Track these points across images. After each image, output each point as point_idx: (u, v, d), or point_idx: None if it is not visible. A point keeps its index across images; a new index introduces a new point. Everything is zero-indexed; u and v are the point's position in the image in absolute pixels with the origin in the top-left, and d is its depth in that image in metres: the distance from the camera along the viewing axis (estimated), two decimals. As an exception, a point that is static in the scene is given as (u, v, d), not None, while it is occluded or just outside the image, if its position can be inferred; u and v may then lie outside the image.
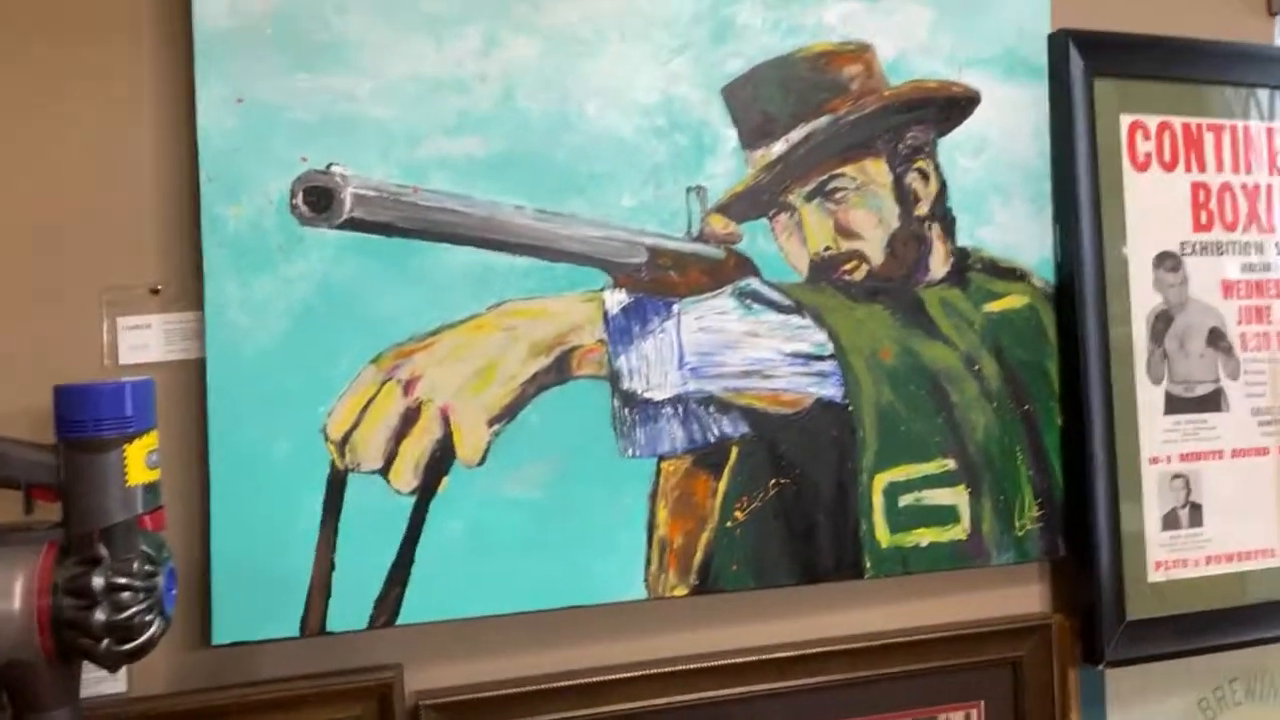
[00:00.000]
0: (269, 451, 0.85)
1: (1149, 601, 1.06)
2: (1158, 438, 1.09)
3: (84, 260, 0.85)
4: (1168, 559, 1.08)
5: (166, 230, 0.87)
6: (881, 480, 1.01)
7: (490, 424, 0.91)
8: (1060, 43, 1.07)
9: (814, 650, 1.00)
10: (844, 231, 1.01)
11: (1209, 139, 1.14)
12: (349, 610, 0.86)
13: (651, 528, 0.94)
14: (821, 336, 1.00)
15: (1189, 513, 1.10)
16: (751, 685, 0.98)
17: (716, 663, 0.97)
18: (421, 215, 0.89)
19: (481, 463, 0.90)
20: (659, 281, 0.96)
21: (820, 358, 1.00)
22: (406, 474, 0.88)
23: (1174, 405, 1.10)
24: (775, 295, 0.99)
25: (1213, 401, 1.12)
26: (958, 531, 1.03)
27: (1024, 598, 1.10)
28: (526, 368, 0.92)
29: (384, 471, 0.88)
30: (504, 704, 0.91)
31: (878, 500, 1.01)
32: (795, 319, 0.99)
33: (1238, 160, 1.15)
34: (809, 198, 1.00)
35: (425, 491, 0.89)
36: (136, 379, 0.69)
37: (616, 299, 0.94)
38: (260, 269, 0.85)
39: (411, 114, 0.89)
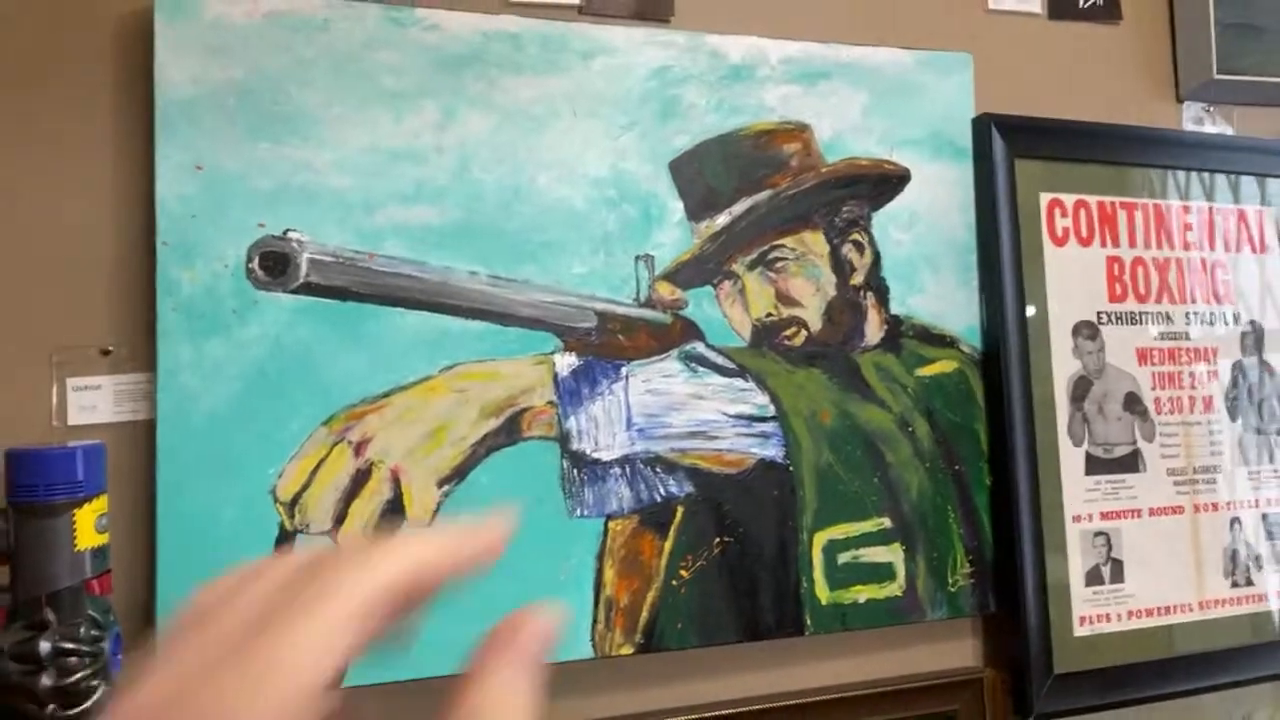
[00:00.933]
0: (217, 513, 0.86)
1: (1076, 655, 1.11)
2: (1079, 496, 1.15)
3: (34, 320, 0.86)
4: (1092, 614, 1.13)
5: (120, 292, 0.88)
6: (821, 538, 1.05)
7: (440, 485, 0.92)
8: (983, 126, 1.15)
9: (756, 708, 1.02)
10: (784, 299, 1.06)
11: (1122, 215, 1.23)
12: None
13: (598, 587, 0.96)
14: (764, 399, 1.04)
15: (1111, 569, 1.15)
16: (697, 743, 0.99)
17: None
18: (377, 280, 0.92)
19: (430, 523, 0.92)
20: (608, 345, 0.99)
21: (763, 419, 1.04)
22: (355, 535, 0.89)
23: (1094, 466, 1.16)
24: (719, 359, 1.03)
25: (1130, 463, 1.18)
26: (894, 588, 1.07)
27: (957, 652, 1.14)
28: (477, 429, 0.94)
29: (333, 533, 0.89)
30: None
31: (817, 557, 1.04)
32: (739, 382, 1.03)
33: (1149, 235, 1.24)
34: (751, 266, 1.05)
35: (374, 552, 0.90)
36: (88, 443, 0.70)
37: (566, 362, 0.97)
38: (213, 332, 0.87)
39: (369, 183, 0.92)
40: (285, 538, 0.87)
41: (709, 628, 1.00)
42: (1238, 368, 1.27)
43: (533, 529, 0.94)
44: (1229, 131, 1.33)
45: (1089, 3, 1.28)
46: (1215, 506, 1.21)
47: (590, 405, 0.98)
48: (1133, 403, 1.20)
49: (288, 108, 0.90)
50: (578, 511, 0.96)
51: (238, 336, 0.87)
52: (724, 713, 1.01)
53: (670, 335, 1.02)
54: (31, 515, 0.66)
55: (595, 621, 0.96)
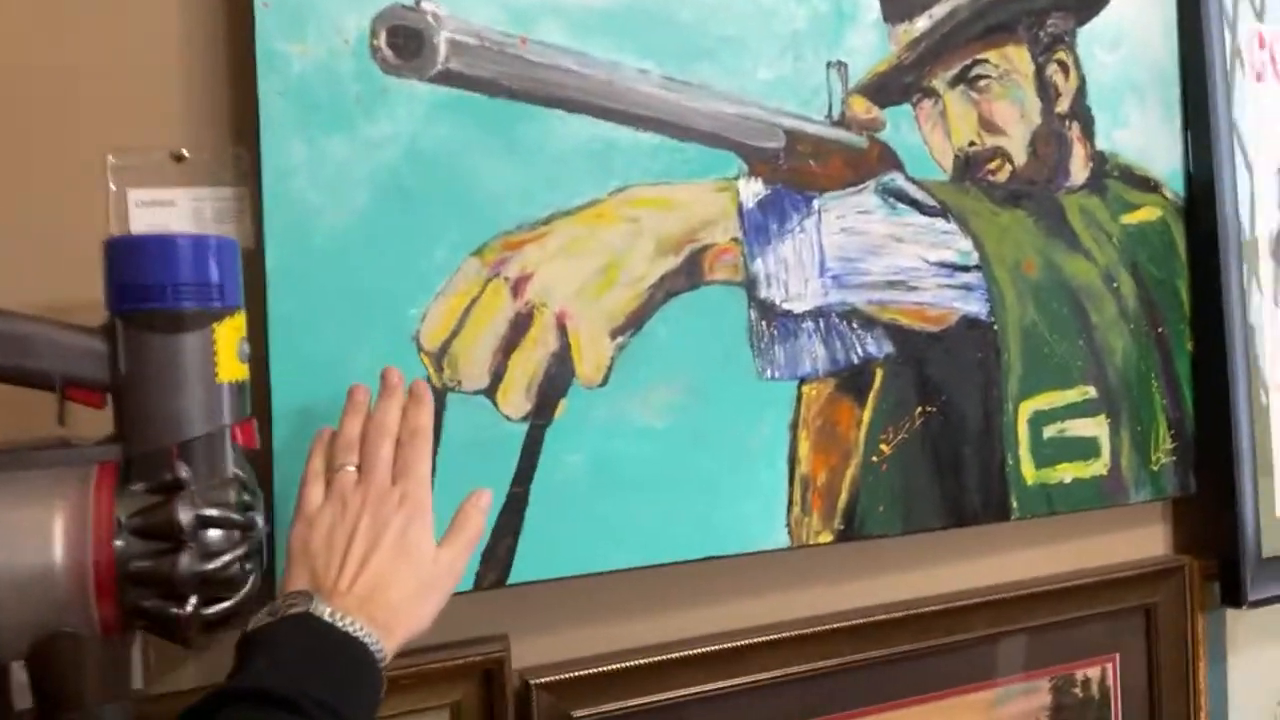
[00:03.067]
0: (347, 364, 0.66)
1: (1282, 539, 0.99)
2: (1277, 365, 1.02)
3: (81, 110, 0.63)
4: (1296, 493, 1.01)
5: (200, 74, 0.66)
6: (1027, 408, 0.90)
7: (613, 335, 0.74)
8: (1192, -67, 0.98)
9: (960, 604, 0.87)
10: (987, 125, 0.89)
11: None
12: (450, 567, 0.67)
13: (793, 462, 0.79)
14: (967, 244, 0.87)
15: (1311, 444, 1.03)
16: (893, 646, 0.84)
17: (859, 621, 0.83)
18: (530, 73, 0.71)
19: (604, 383, 0.73)
20: (798, 171, 0.81)
21: (965, 268, 0.87)
22: (517, 395, 0.70)
23: (1295, 331, 1.03)
24: (920, 195, 0.85)
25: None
26: (1099, 466, 0.93)
27: (1147, 540, 1.01)
28: (654, 268, 0.75)
29: (490, 392, 0.70)
30: (630, 678, 0.75)
31: (1023, 431, 0.89)
32: (940, 223, 0.86)
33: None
34: (953, 84, 0.87)
35: (540, 417, 0.71)
36: (219, 235, 0.49)
37: (752, 190, 0.79)
38: (334, 126, 0.66)
39: (517, -55, 0.71)
40: (434, 395, 0.68)
41: (912, 511, 0.84)
42: None
43: (719, 392, 0.77)
44: None
45: None
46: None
47: (779, 245, 0.80)
48: (1330, 262, 1.06)
49: None
50: (768, 372, 0.79)
51: (364, 134, 0.66)
52: (926, 610, 0.86)
53: (867, 162, 0.84)
54: (152, 329, 0.46)
55: (791, 504, 0.79)
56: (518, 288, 0.71)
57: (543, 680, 0.72)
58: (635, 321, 0.74)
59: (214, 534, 0.46)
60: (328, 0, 0.65)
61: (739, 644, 0.78)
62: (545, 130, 0.72)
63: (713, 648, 0.77)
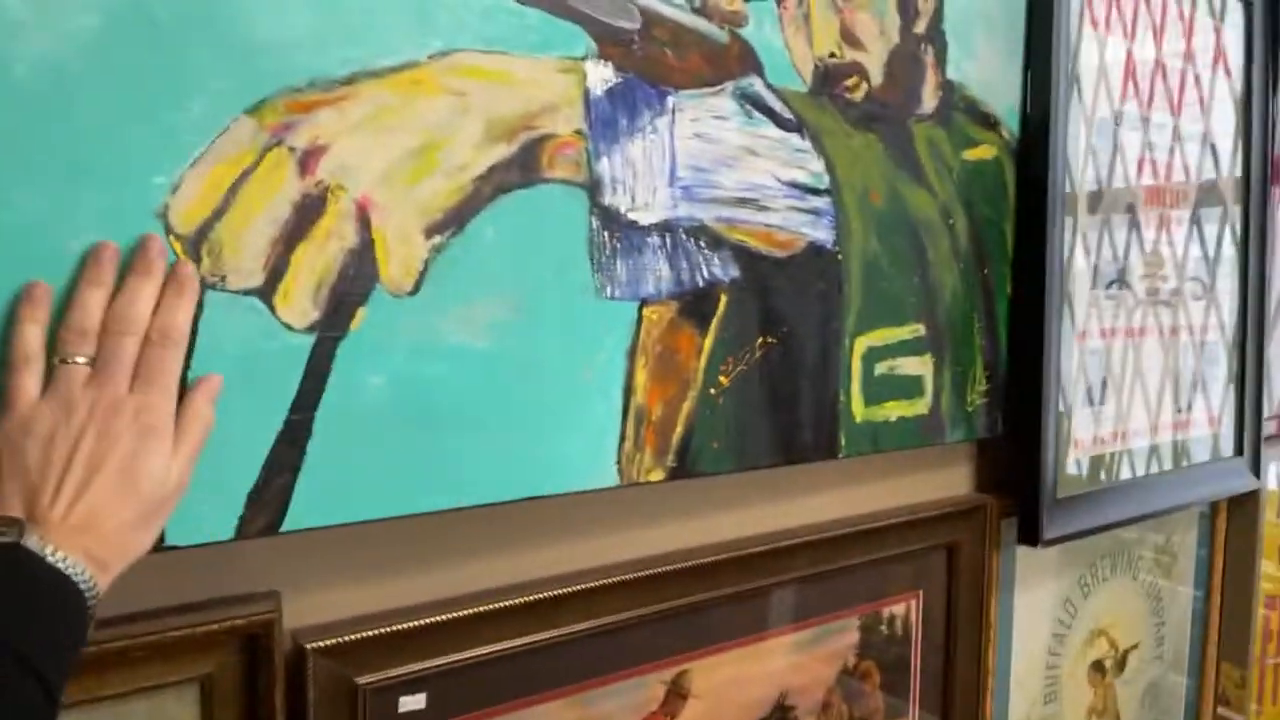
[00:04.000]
0: (63, 245, 0.49)
1: (1072, 480, 1.04)
2: (1083, 312, 1.05)
3: None
4: (1084, 437, 1.06)
5: None
6: (862, 344, 0.86)
7: (429, 234, 0.61)
8: None
9: (785, 543, 0.84)
10: (849, 37, 0.82)
11: (1144, 13, 1.10)
12: (205, 511, 0.53)
13: (628, 392, 0.71)
14: (819, 166, 0.81)
15: (1100, 390, 1.08)
16: (716, 589, 0.80)
17: (680, 565, 0.77)
18: (334, -117, 0.55)
19: (415, 290, 0.60)
20: (653, 61, 0.70)
21: (817, 191, 0.81)
22: (302, 299, 0.56)
23: (1096, 280, 1.07)
24: (778, 105, 0.78)
25: (1124, 280, 1.10)
26: (921, 406, 0.92)
27: (954, 479, 1.02)
28: (482, 156, 0.62)
29: (266, 293, 0.55)
30: (427, 637, 0.64)
31: (857, 367, 0.86)
32: (795, 139, 0.79)
33: (1160, 39, 1.13)
34: (819, -15, 0.79)
35: (331, 328, 0.57)
36: None
37: (601, 75, 0.67)
38: (44, -91, 0.47)
39: None
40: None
41: (744, 448, 0.78)
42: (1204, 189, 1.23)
43: (551, 310, 0.66)
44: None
45: None
46: (1176, 331, 1.18)
47: (628, 144, 0.69)
48: (1133, 213, 1.11)
49: None
50: (608, 290, 0.69)
51: (92, -73, 0.48)
52: (749, 551, 0.81)
53: (726, 61, 0.74)
54: None
55: (623, 438, 0.71)
56: (306, 162, 0.56)
57: (321, 643, 0.60)
58: (457, 219, 0.62)
59: None
60: None
61: (551, 593, 0.70)
62: (351, -37, 0.56)
63: (523, 599, 0.68)
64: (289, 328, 0.56)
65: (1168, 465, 1.17)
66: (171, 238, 0.52)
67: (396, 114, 0.59)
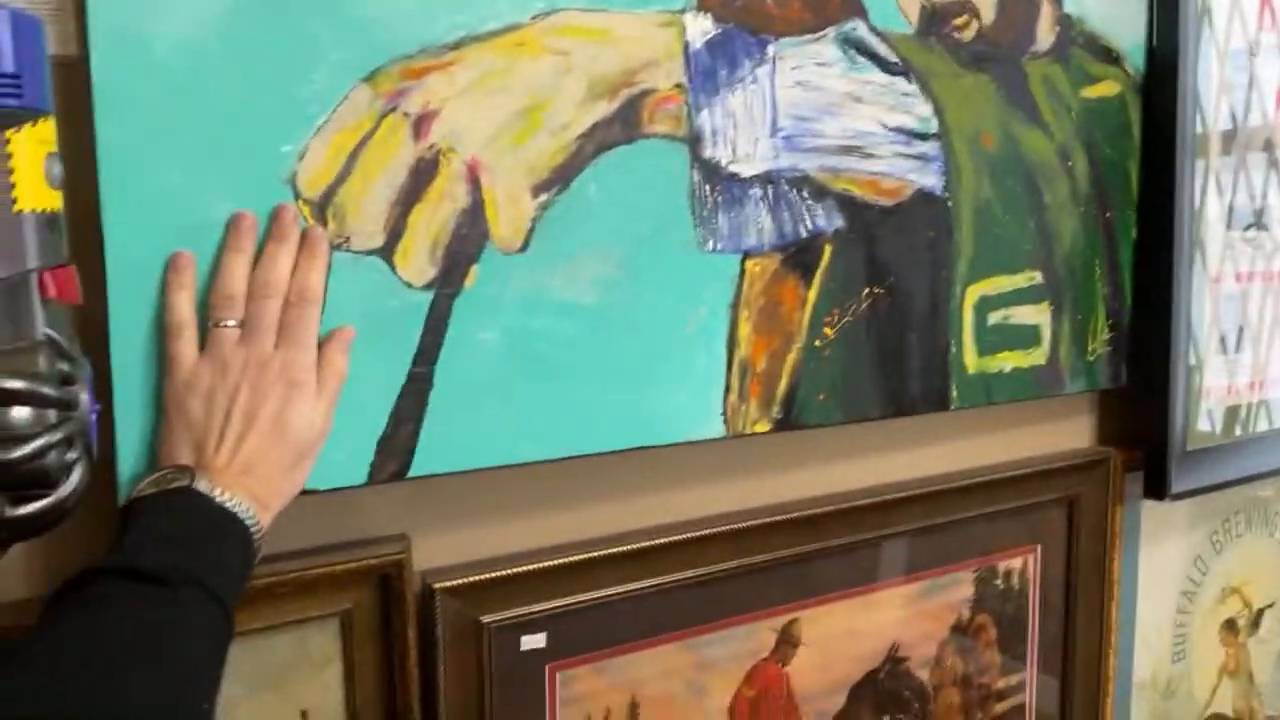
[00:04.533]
0: (204, 214, 0.53)
1: (1202, 434, 0.98)
2: (1217, 255, 0.99)
3: None
4: (1217, 386, 1.00)
5: None
6: (973, 294, 0.84)
7: (535, 192, 0.62)
8: None
9: (896, 495, 0.83)
10: (957, -26, 0.79)
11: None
12: (338, 458, 0.57)
13: (732, 345, 0.71)
14: (927, 110, 0.79)
15: (1236, 338, 1.02)
16: (825, 540, 0.80)
17: (787, 516, 0.78)
18: None
19: (524, 248, 0.62)
20: (753, 10, 0.69)
21: (924, 136, 0.79)
22: (419, 258, 0.59)
23: (1233, 221, 1.00)
24: (883, 49, 0.76)
25: (1263, 220, 1.03)
26: (1038, 355, 0.89)
27: (1074, 431, 0.99)
28: (585, 114, 0.64)
29: (387, 252, 0.58)
30: (547, 579, 0.67)
31: (968, 317, 0.84)
32: (901, 83, 0.77)
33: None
34: (925, -80, 0.77)
35: (447, 285, 0.60)
36: (15, 7, 0.35)
37: (701, 27, 0.67)
38: (178, -103, 0.50)
39: None
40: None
41: (852, 400, 0.78)
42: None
43: (654, 264, 0.67)
44: None
45: None
46: (1322, 276, 1.10)
47: (729, 95, 0.69)
48: (1271, 151, 1.04)
49: None
50: (710, 244, 0.70)
51: (220, -89, 0.51)
52: (858, 504, 0.81)
53: (828, 6, 0.73)
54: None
55: (728, 390, 0.71)
56: (420, 127, 0.58)
57: (448, 584, 0.64)
58: (562, 177, 0.63)
59: (17, 413, 0.35)
60: None
61: (663, 540, 0.72)
62: (455, -70, 0.58)
63: (637, 545, 0.71)
64: (409, 285, 0.59)
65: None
66: (300, 202, 0.55)
67: (502, 77, 0.60)
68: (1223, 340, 1.00)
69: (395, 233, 0.58)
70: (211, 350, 0.51)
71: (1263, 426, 1.03)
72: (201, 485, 0.47)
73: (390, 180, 0.58)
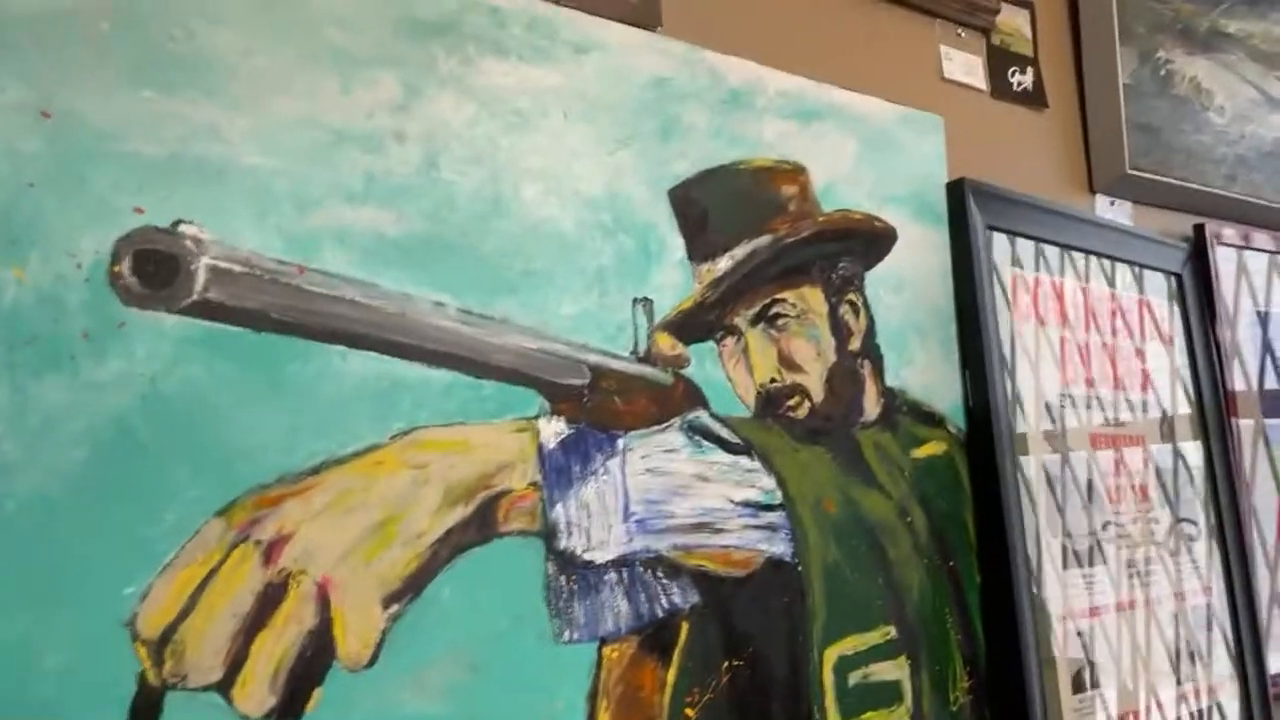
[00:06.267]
0: (36, 664, 0.52)
1: (1072, 773, 1.00)
2: (1059, 594, 1.06)
3: None
4: (1080, 724, 1.03)
5: (-128, 295, 0.53)
6: (832, 655, 0.86)
7: (386, 604, 0.64)
8: (959, 192, 1.08)
9: None
10: (787, 362, 0.90)
11: (1070, 296, 1.20)
12: None
13: (591, 738, 0.71)
14: (770, 482, 0.85)
15: (1089, 672, 1.06)
16: None
17: None
18: (307, 304, 0.64)
19: (371, 663, 0.63)
20: (603, 409, 0.76)
21: (770, 507, 0.85)
22: (259, 688, 0.58)
23: (1067, 559, 1.08)
24: (724, 432, 0.84)
25: (1092, 556, 1.12)
26: (902, 712, 0.90)
27: (950, 780, 0.98)
28: (440, 521, 0.67)
29: (225, 686, 0.57)
30: None
31: (829, 680, 0.86)
32: (744, 460, 0.84)
33: (1089, 319, 1.22)
34: (754, 321, 0.88)
35: (287, 714, 0.59)
36: None
37: (554, 429, 0.73)
38: (49, 367, 0.54)
39: (301, 168, 0.65)
40: (147, 697, 0.55)
41: (719, 782, 0.77)
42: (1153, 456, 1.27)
43: (508, 663, 0.68)
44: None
45: (1020, 86, 1.28)
46: (1150, 602, 1.18)
47: (582, 488, 0.74)
48: (1090, 491, 1.15)
49: (188, 47, 0.62)
50: (566, 634, 0.71)
51: (89, 376, 0.55)
52: None
53: (672, 400, 0.81)
54: None
55: (588, 789, 0.70)
56: (271, 552, 0.60)
57: None
58: (414, 585, 0.65)
59: None
60: (60, 218, 0.56)
61: None
62: (320, 368, 0.64)
63: None
64: (246, 718, 0.57)
65: (1180, 741, 1.13)
66: (138, 644, 0.55)
67: (359, 495, 0.64)
68: (1079, 677, 1.05)
69: (236, 663, 0.58)
70: None
71: (1129, 764, 1.05)
72: None
73: (235, 609, 0.58)
